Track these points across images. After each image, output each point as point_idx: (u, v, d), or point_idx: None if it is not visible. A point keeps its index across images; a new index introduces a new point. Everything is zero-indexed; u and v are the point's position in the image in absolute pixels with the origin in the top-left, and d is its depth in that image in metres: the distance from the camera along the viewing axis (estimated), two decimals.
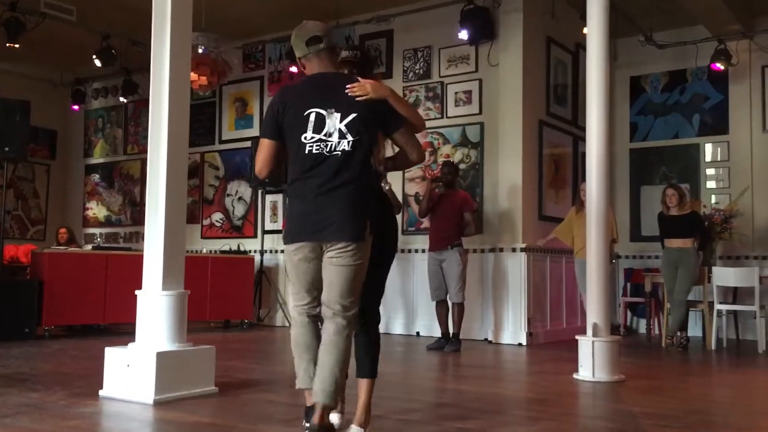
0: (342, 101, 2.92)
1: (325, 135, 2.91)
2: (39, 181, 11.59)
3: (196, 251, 9.18)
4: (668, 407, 4.06)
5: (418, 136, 3.18)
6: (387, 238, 3.14)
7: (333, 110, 2.92)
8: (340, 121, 2.90)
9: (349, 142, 2.89)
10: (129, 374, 3.92)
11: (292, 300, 3.11)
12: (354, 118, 2.90)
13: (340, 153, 2.89)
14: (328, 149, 2.90)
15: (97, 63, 9.04)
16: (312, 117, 2.93)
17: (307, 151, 2.91)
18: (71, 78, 11.07)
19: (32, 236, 11.28)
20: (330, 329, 2.90)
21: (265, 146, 3.03)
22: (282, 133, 3.00)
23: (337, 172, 2.88)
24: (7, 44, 8.11)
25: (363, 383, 3.07)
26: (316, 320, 3.03)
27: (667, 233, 7.24)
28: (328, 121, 2.90)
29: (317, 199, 2.90)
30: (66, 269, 7.26)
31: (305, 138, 2.92)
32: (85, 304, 7.32)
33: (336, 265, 2.89)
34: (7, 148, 7.32)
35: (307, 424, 2.88)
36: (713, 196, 8.56)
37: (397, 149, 3.14)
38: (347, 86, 2.95)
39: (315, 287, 3.00)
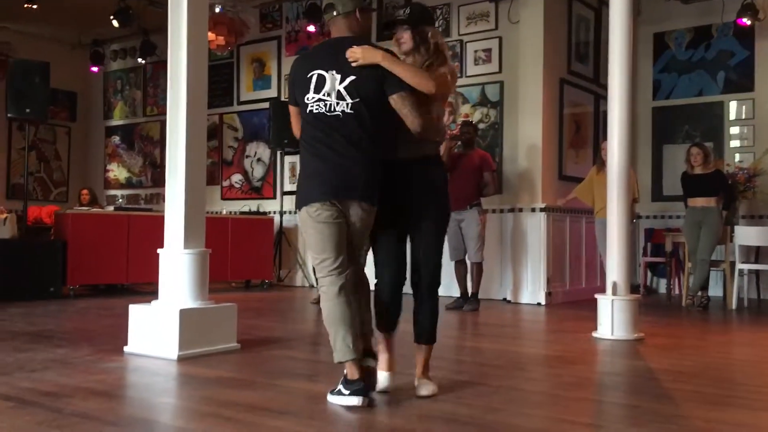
0: (345, 64, 2.94)
1: (324, 95, 2.94)
2: (60, 143, 11.68)
3: (217, 212, 9.25)
4: (686, 364, 4.07)
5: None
6: (440, 202, 3.15)
7: (334, 72, 2.95)
8: (340, 83, 2.93)
9: (348, 104, 2.91)
10: (153, 330, 4.00)
11: (320, 267, 2.98)
12: (352, 81, 2.93)
13: (340, 114, 2.92)
14: (327, 108, 2.93)
15: (115, 24, 9.02)
16: (314, 78, 2.97)
17: (308, 111, 2.98)
18: (90, 39, 11.05)
19: (55, 198, 11.42)
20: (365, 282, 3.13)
21: (291, 113, 3.16)
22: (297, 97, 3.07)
23: (340, 133, 2.92)
24: (25, 5, 8.11)
25: (423, 348, 3.22)
26: (347, 287, 2.97)
27: (691, 192, 7.16)
28: (327, 81, 2.94)
29: (333, 159, 2.91)
30: (89, 230, 7.35)
31: (307, 99, 2.99)
32: (108, 263, 7.43)
33: (362, 227, 3.01)
34: (27, 110, 7.38)
35: (357, 396, 2.86)
36: (737, 155, 8.42)
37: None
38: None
39: (343, 249, 2.97)
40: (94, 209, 8.11)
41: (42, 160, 11.41)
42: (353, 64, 2.93)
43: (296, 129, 3.14)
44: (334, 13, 3.08)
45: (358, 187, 2.92)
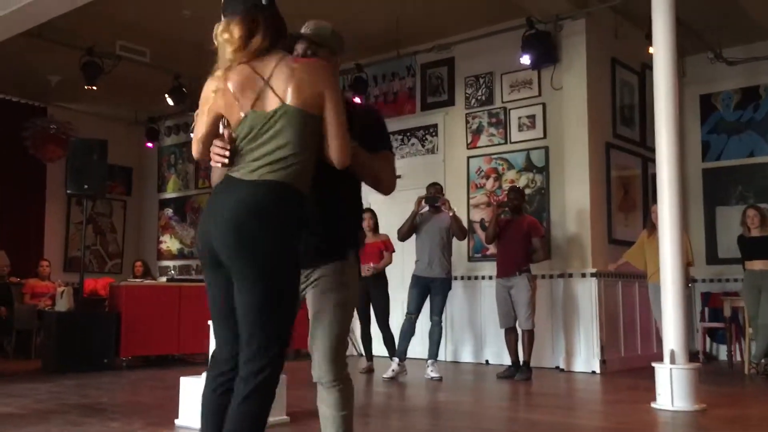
0: None
1: None
2: (116, 217, 12.05)
3: None
4: None
5: None
6: None
7: None
8: None
9: None
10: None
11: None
12: None
13: None
14: None
15: (170, 101, 9.40)
16: None
17: None
18: (145, 117, 11.52)
19: (110, 269, 11.71)
20: None
21: None
22: None
23: None
24: (86, 86, 8.52)
25: None
26: None
27: (749, 255, 6.96)
28: None
29: None
30: (142, 301, 7.49)
31: None
32: (160, 334, 7.52)
33: None
34: (86, 186, 7.66)
35: None
36: None
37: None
38: None
39: None
40: (147, 281, 8.27)
41: (98, 233, 11.76)
42: None
43: None
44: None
45: None
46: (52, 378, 6.47)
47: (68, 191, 8.00)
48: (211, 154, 2.24)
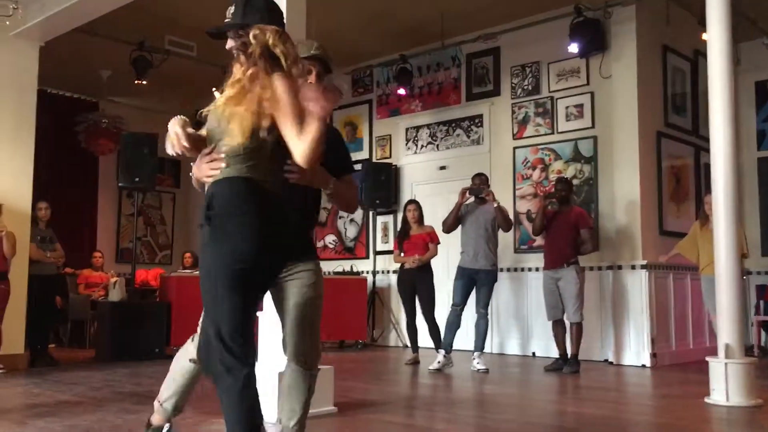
0: None
1: None
2: (165, 209, 12.28)
3: None
4: None
5: None
6: None
7: None
8: None
9: None
10: None
11: None
12: None
13: None
14: None
15: (217, 95, 9.49)
16: None
17: None
18: (193, 110, 11.66)
19: (160, 260, 11.95)
20: None
21: None
22: None
23: None
24: (136, 81, 8.69)
25: None
26: None
27: None
28: None
29: None
30: (192, 291, 7.56)
31: None
32: None
33: None
34: (137, 179, 7.82)
35: None
36: None
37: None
38: None
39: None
40: (197, 271, 8.40)
41: (149, 225, 12.01)
42: None
43: None
44: None
45: None
46: (106, 366, 6.64)
47: (120, 184, 8.17)
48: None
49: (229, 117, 2.32)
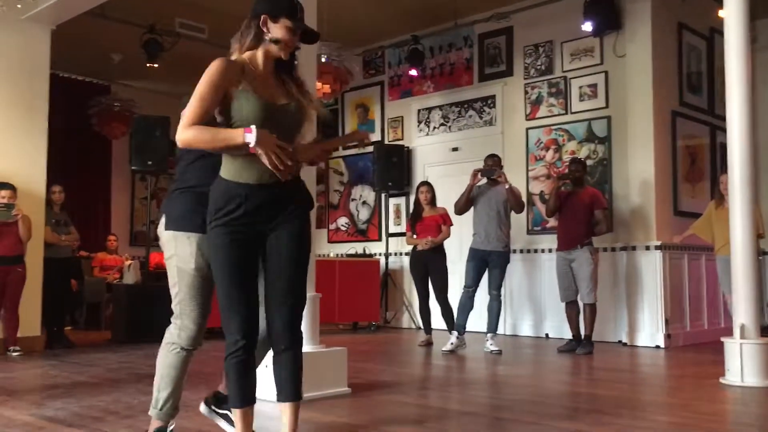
0: None
1: None
2: None
3: (324, 255, 9.43)
4: None
5: None
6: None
7: None
8: None
9: None
10: (267, 374, 4.06)
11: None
12: None
13: None
14: None
15: None
16: None
17: None
18: None
19: None
20: None
21: None
22: None
23: None
24: (147, 64, 8.68)
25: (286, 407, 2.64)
26: None
27: None
28: None
29: None
30: None
31: None
32: None
33: None
34: (149, 162, 7.84)
35: None
36: None
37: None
38: None
39: None
40: None
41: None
42: None
43: None
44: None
45: None
46: (122, 348, 6.71)
47: (132, 167, 8.20)
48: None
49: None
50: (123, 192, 11.56)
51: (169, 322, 2.96)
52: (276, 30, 2.56)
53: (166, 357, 2.89)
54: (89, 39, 9.01)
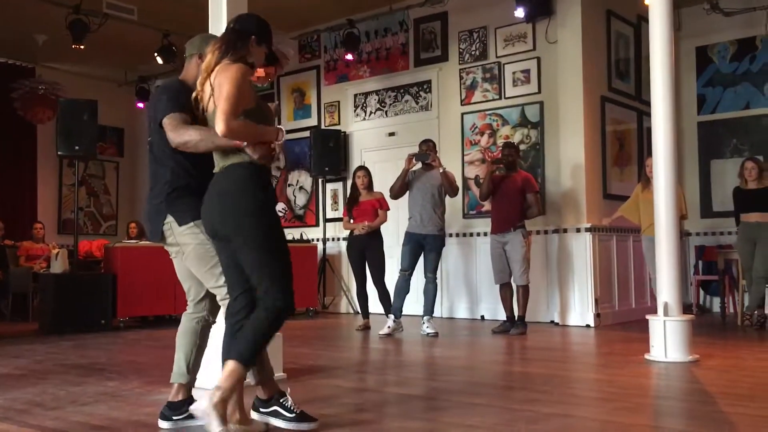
0: None
1: None
2: (109, 178, 11.99)
3: None
4: (745, 386, 3.93)
5: None
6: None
7: None
8: None
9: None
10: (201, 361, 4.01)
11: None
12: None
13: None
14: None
15: (159, 60, 9.25)
16: None
17: None
18: (135, 76, 11.36)
19: (105, 231, 11.70)
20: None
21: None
22: None
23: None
24: (73, 45, 8.37)
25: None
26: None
27: (745, 208, 6.97)
28: None
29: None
30: (137, 262, 7.48)
31: None
32: (156, 295, 7.52)
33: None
34: (77, 147, 7.59)
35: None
36: None
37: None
38: None
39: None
40: (142, 242, 8.25)
41: (91, 195, 11.71)
42: None
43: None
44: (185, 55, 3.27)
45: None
46: (50, 340, 6.51)
47: (59, 152, 7.91)
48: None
49: None
50: (50, 178, 11.17)
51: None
52: (256, 53, 2.91)
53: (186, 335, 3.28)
54: (11, 19, 8.64)
